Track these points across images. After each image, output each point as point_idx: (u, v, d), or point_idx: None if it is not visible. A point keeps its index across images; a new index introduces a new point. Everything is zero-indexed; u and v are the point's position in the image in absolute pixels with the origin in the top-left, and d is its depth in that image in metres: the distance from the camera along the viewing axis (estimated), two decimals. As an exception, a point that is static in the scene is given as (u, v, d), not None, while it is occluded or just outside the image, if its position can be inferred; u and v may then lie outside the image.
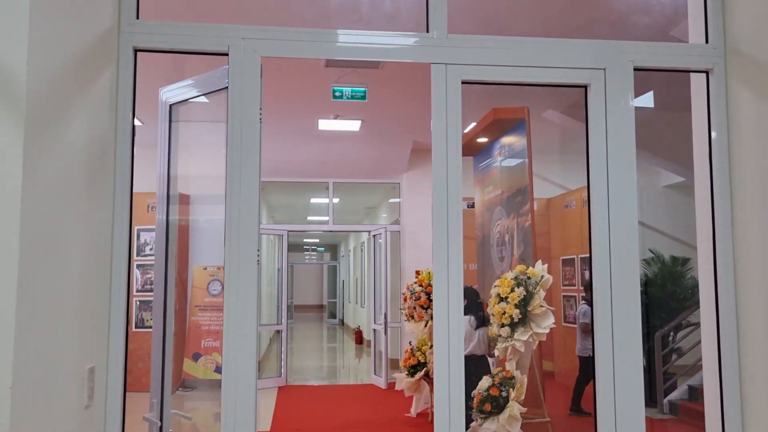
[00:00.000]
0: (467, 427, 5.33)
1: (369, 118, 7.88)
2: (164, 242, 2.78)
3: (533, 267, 5.16)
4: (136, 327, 8.65)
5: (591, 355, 2.59)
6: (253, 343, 2.33)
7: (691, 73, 2.81)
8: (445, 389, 2.43)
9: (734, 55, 2.60)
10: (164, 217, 2.79)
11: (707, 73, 2.68)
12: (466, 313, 5.96)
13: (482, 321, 5.88)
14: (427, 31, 2.54)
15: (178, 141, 2.83)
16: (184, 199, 8.87)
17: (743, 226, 2.54)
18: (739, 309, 2.55)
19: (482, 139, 6.57)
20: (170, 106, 2.78)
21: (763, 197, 2.44)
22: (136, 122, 2.47)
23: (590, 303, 2.63)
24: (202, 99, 2.80)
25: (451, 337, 2.45)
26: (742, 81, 2.57)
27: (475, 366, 5.62)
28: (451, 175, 2.49)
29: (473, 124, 6.49)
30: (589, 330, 7.03)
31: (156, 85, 2.83)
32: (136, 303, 8.77)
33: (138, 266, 8.84)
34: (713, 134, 2.65)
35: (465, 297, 6.13)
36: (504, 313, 5.14)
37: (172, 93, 2.76)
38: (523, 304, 5.10)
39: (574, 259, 8.14)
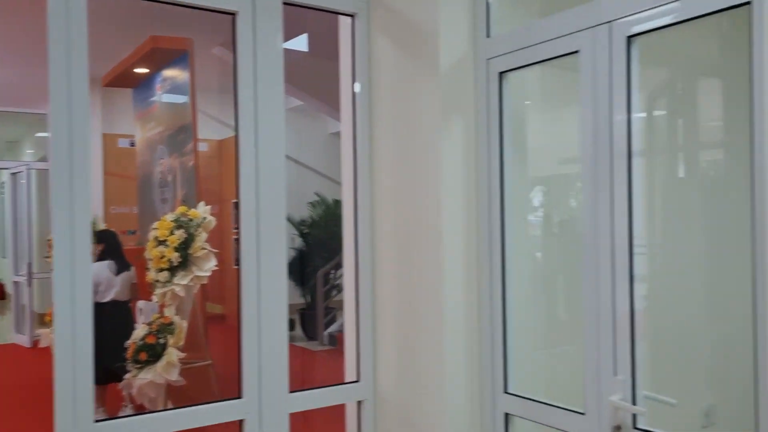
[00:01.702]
0: (122, 380, 5.00)
1: None
2: None
3: (196, 209, 4.94)
4: None
5: None
6: None
7: (340, 17, 2.73)
8: (69, 350, 2.14)
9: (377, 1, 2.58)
10: None
11: (353, 17, 2.63)
12: (105, 258, 5.54)
13: (124, 265, 5.48)
14: None
15: None
16: None
17: (379, 180, 2.70)
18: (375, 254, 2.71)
19: (141, 70, 5.98)
20: None
21: (392, 162, 2.60)
22: None
23: None
24: None
25: (77, 288, 2.14)
26: (381, 29, 2.57)
27: (120, 312, 5.38)
28: (76, 101, 2.13)
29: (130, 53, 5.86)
30: None
31: None
32: None
33: None
34: (356, 85, 2.66)
35: (103, 241, 5.55)
36: (163, 257, 4.84)
37: None
38: (184, 247, 4.86)
39: (244, 201, 8.12)
